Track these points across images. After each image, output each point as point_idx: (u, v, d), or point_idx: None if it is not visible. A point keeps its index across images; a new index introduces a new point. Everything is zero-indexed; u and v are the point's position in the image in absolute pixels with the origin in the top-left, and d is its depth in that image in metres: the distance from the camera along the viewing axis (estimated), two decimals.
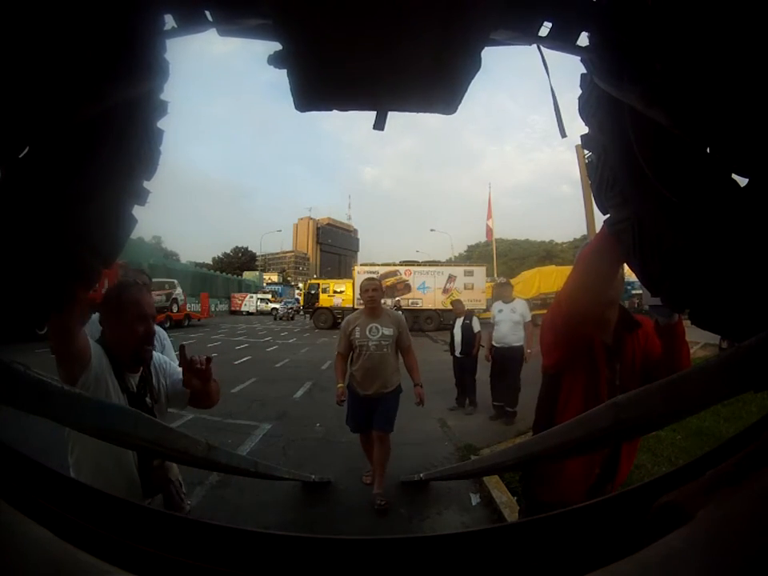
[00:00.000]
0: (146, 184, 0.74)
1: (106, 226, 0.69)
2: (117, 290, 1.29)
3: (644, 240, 0.69)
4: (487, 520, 2.52)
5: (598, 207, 0.81)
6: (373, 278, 2.96)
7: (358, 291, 2.60)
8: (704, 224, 0.58)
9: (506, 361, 4.69)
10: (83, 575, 0.28)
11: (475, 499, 2.79)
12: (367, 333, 2.77)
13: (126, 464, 1.22)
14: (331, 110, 0.74)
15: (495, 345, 4.80)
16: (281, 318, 24.76)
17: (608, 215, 0.80)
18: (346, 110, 0.75)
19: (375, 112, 0.76)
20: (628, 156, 0.67)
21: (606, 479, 1.30)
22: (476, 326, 5.19)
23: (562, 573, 0.39)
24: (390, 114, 0.78)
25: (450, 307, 6.35)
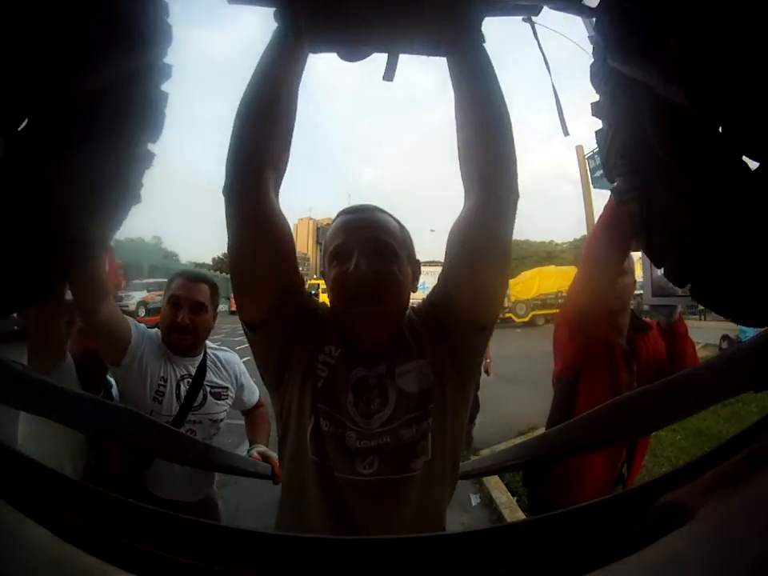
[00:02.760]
0: (150, 147, 0.69)
1: (110, 192, 0.66)
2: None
3: (651, 210, 0.67)
4: (487, 520, 2.52)
5: (606, 174, 0.78)
6: (376, 209, 0.77)
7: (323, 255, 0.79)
8: (712, 202, 0.57)
9: None
10: (83, 575, 0.28)
11: (475, 499, 2.79)
12: (350, 401, 0.68)
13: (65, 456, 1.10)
14: (340, 51, 0.70)
15: None
16: None
17: (615, 183, 0.76)
18: (356, 54, 0.70)
19: (384, 69, 0.72)
20: (639, 126, 0.65)
21: (621, 481, 1.28)
22: None
23: (561, 573, 0.39)
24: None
25: None
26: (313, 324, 0.73)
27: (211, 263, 52.93)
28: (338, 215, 0.79)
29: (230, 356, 1.42)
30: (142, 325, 1.24)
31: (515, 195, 0.68)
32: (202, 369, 1.27)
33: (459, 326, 0.71)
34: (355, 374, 0.70)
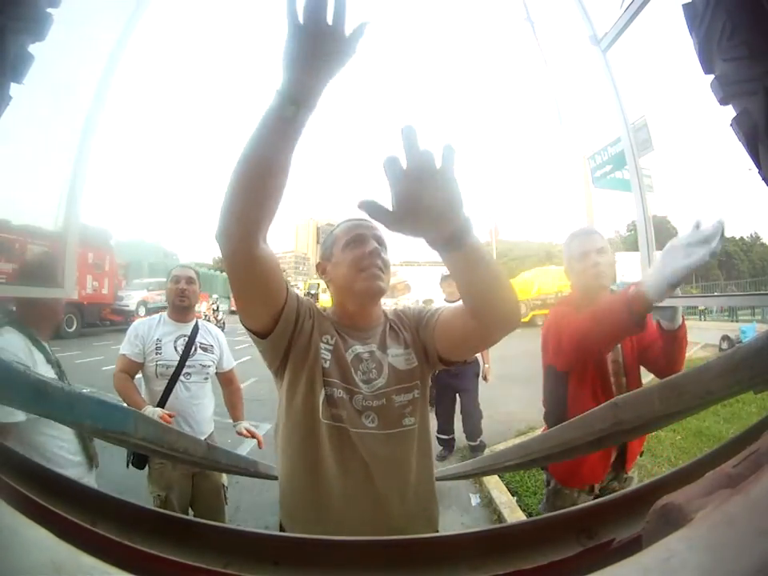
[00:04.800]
0: (50, 9, 0.53)
1: None
2: (29, 260, 1.34)
3: None
4: (487, 520, 2.52)
5: (702, 63, 0.61)
6: (365, 219, 0.94)
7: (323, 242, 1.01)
8: None
9: (457, 380, 3.42)
10: None
11: (475, 499, 2.79)
12: (352, 369, 0.86)
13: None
14: None
15: None
16: None
17: (716, 74, 0.59)
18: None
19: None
20: None
21: (621, 460, 1.36)
22: None
23: (562, 574, 0.39)
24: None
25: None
26: (309, 324, 0.88)
27: (211, 263, 52.95)
28: (344, 221, 0.97)
29: (214, 328, 2.01)
30: (135, 327, 1.83)
31: (513, 327, 0.78)
32: (195, 330, 1.87)
33: (433, 355, 0.91)
34: (352, 352, 0.89)
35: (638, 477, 1.47)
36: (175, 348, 1.78)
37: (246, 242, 0.67)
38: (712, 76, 0.58)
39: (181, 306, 1.84)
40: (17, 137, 0.97)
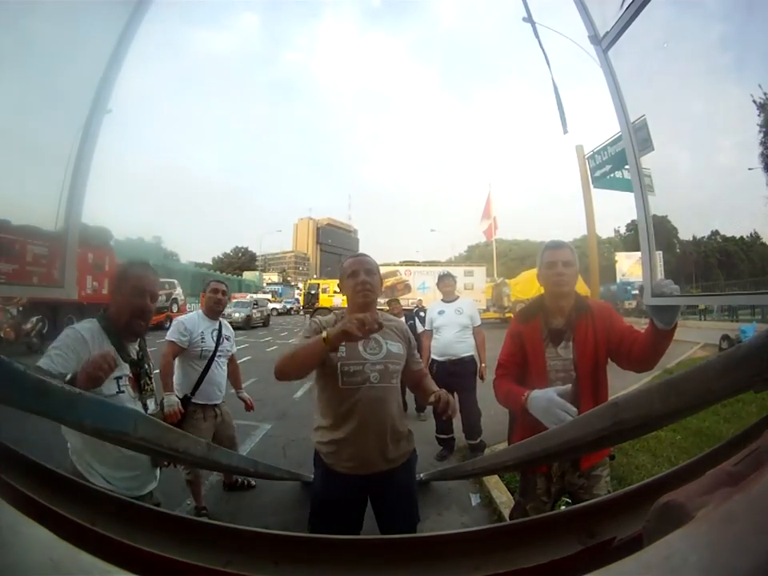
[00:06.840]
0: None
1: None
2: (124, 265, 1.46)
3: None
4: (487, 520, 2.51)
5: None
6: (363, 255, 1.61)
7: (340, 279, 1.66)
8: None
9: (455, 379, 3.31)
10: (83, 575, 0.28)
11: (475, 499, 2.79)
12: (362, 349, 1.45)
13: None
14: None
15: (437, 358, 3.56)
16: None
17: None
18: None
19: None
20: None
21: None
22: (420, 326, 4.06)
23: (562, 572, 0.39)
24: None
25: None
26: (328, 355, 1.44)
27: (211, 263, 52.93)
28: (349, 257, 1.58)
29: (227, 323, 2.77)
30: (182, 321, 2.57)
31: None
32: (220, 325, 2.63)
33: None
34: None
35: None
36: (212, 338, 2.56)
37: (292, 379, 1.36)
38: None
39: (216, 310, 2.61)
40: (17, 136, 0.97)
